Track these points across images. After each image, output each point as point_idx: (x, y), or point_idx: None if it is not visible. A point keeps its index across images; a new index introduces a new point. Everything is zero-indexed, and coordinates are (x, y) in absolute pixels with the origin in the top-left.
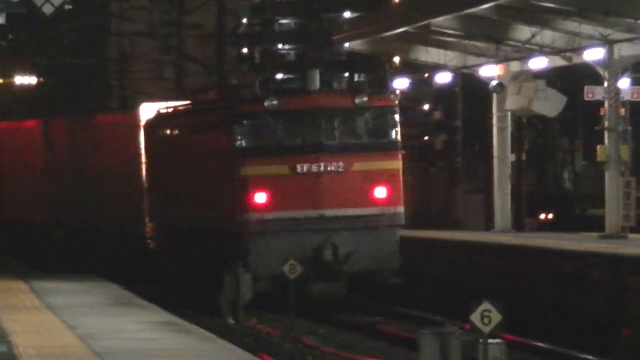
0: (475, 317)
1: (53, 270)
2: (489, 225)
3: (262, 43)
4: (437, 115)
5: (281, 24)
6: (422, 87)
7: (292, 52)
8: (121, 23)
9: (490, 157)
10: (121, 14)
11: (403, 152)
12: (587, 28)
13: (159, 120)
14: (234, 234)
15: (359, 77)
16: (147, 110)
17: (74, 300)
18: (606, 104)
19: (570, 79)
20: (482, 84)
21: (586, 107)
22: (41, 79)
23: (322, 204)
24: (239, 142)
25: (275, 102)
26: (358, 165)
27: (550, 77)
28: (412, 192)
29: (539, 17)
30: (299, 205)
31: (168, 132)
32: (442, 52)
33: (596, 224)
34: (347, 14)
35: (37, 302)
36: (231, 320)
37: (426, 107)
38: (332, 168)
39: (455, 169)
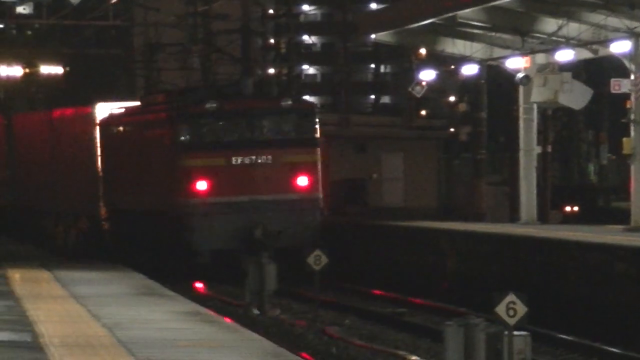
0: (500, 310)
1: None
2: (513, 217)
3: (288, 33)
4: (463, 107)
5: (307, 14)
6: (448, 79)
7: (318, 43)
8: (147, 13)
9: (516, 149)
10: (146, 4)
11: (320, 146)
12: (613, 20)
13: (114, 118)
14: (179, 215)
15: (385, 68)
16: (102, 109)
17: (98, 290)
18: (632, 97)
19: (596, 71)
20: (508, 76)
21: (612, 100)
22: (67, 69)
23: (254, 191)
24: (183, 138)
25: (214, 105)
26: (283, 158)
27: (576, 69)
28: (436, 183)
29: (565, 9)
30: (234, 192)
31: (122, 128)
32: (468, 43)
33: (620, 217)
34: (373, 5)
35: (61, 292)
36: (256, 311)
37: (452, 99)
38: (262, 160)
39: (480, 161)
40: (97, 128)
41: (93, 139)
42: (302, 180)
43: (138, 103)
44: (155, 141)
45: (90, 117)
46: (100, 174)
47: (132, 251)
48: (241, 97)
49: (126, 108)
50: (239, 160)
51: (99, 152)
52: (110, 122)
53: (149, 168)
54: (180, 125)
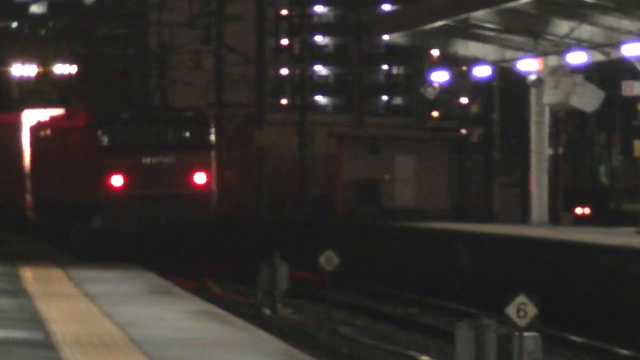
0: (511, 311)
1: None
2: (525, 218)
3: (301, 34)
4: (475, 108)
5: (320, 15)
6: (461, 81)
7: (331, 44)
8: (161, 13)
9: (528, 151)
10: (161, 4)
11: (214, 150)
12: (625, 23)
13: (42, 123)
14: (96, 205)
15: (397, 69)
16: (29, 115)
17: (111, 289)
18: None
19: (608, 73)
20: (520, 78)
21: (624, 102)
22: (80, 68)
23: (159, 186)
24: (102, 141)
25: (128, 115)
26: (184, 159)
27: (589, 71)
28: (448, 185)
29: (578, 12)
30: (143, 186)
31: (49, 132)
32: (480, 45)
33: (632, 219)
34: (386, 7)
35: (74, 290)
36: (267, 311)
37: (464, 100)
38: (166, 161)
39: (493, 162)
40: (26, 131)
41: (21, 140)
42: (199, 178)
43: (63, 111)
44: (78, 143)
45: (19, 122)
46: (28, 170)
47: (51, 235)
48: (150, 108)
49: (52, 116)
50: (148, 161)
51: (26, 152)
52: (39, 127)
53: (72, 166)
54: (100, 131)
